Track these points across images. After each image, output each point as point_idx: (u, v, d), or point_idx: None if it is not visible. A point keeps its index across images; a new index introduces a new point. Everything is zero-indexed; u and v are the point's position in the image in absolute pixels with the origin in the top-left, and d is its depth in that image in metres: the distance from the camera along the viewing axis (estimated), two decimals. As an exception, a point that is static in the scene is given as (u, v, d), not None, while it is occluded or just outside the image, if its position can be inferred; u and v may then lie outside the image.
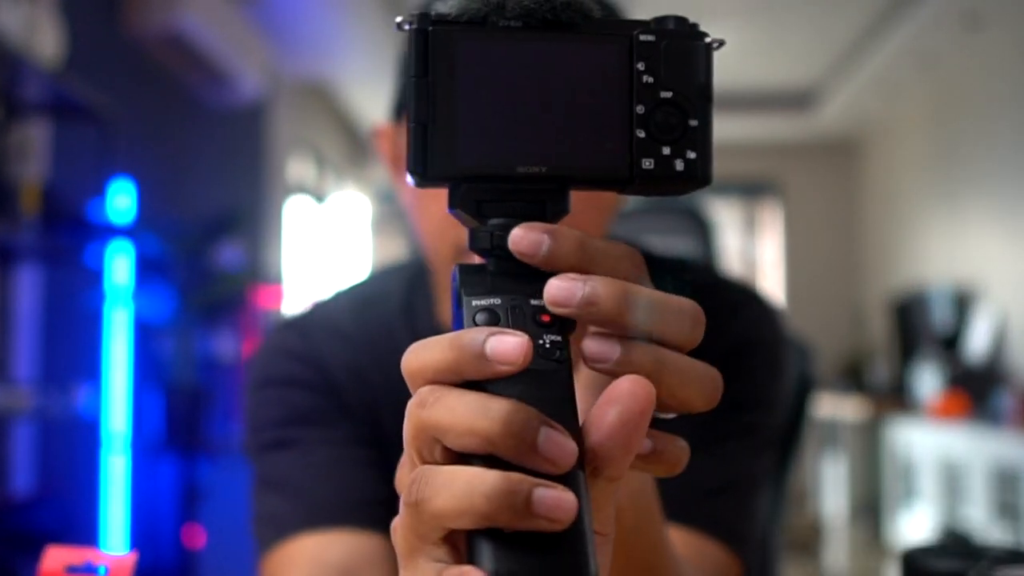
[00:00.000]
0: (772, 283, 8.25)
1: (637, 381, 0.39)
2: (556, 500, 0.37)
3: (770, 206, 8.27)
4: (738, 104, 7.13)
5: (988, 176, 5.67)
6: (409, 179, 0.43)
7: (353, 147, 7.43)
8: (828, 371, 7.15)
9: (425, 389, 0.40)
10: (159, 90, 4.09)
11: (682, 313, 0.42)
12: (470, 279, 0.42)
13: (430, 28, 0.42)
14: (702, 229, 1.40)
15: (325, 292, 1.04)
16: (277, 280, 5.44)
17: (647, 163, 0.43)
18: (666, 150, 0.43)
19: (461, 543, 0.40)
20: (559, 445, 0.38)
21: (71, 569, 0.60)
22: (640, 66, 0.43)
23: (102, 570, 0.59)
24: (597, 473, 0.40)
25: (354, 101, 6.73)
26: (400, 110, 0.92)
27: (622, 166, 0.43)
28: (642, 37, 0.43)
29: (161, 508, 3.66)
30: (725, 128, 7.57)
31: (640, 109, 0.43)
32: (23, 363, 2.93)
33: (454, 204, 0.43)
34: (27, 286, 2.96)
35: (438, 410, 0.39)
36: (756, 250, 8.41)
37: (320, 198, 6.58)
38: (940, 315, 5.90)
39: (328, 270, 6.60)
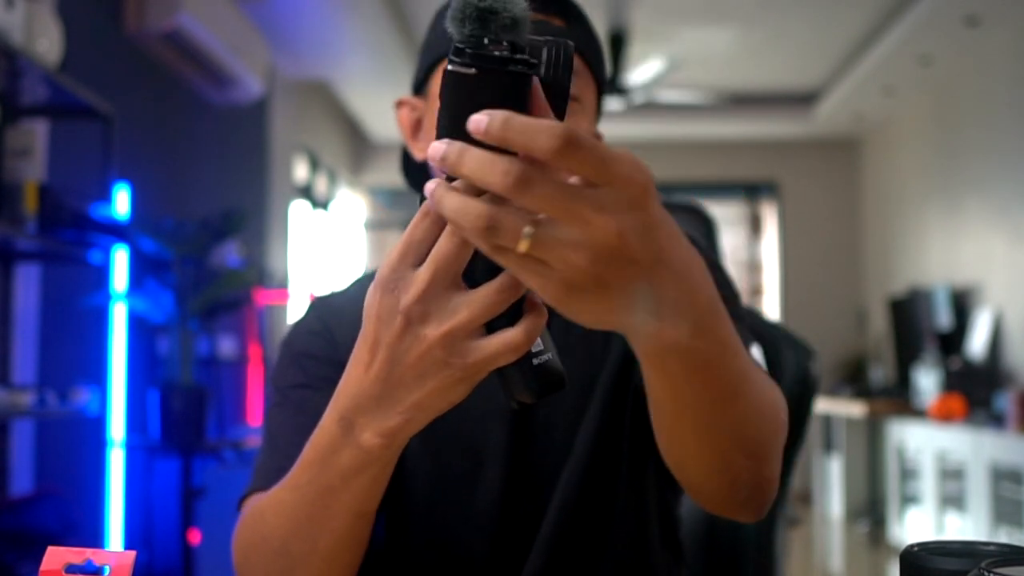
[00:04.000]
0: (772, 283, 8.25)
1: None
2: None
3: (770, 206, 8.27)
4: (738, 104, 7.13)
5: (987, 176, 5.67)
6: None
7: (353, 146, 7.43)
8: (828, 371, 7.15)
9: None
10: (159, 90, 4.09)
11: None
12: None
13: (472, 71, 0.55)
14: (703, 224, 1.39)
15: (325, 291, 1.14)
16: (281, 279, 5.43)
17: None
18: None
19: None
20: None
21: (71, 568, 0.60)
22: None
23: (106, 570, 0.59)
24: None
25: (354, 101, 6.73)
26: (421, 84, 1.05)
27: None
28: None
29: (159, 507, 3.66)
30: (726, 128, 7.59)
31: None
32: (22, 362, 2.92)
33: None
34: (26, 285, 2.96)
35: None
36: (757, 250, 8.41)
37: (322, 200, 6.58)
38: (939, 315, 5.90)
39: (327, 270, 6.59)
